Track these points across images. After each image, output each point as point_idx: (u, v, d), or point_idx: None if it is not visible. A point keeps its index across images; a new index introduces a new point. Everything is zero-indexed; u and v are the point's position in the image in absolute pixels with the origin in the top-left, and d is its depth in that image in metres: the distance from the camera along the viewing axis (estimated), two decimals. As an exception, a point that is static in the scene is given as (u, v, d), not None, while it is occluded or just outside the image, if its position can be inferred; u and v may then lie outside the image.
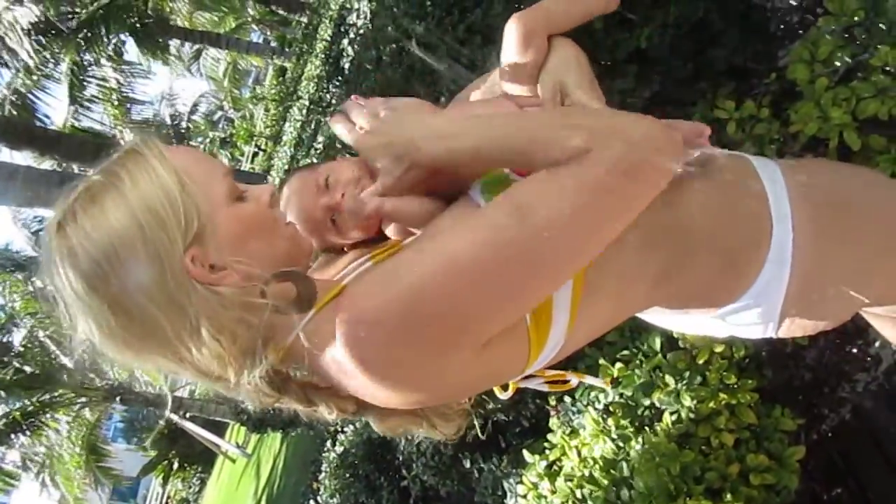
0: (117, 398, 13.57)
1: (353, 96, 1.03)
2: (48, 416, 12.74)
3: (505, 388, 1.05)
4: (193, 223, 0.79)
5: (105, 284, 0.77)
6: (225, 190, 0.84)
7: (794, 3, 2.48)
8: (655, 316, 1.16)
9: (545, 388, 1.09)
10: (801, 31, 2.41)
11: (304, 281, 0.83)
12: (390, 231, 1.07)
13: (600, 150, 0.78)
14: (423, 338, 0.75)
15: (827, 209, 1.02)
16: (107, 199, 0.78)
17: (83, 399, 12.82)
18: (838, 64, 1.92)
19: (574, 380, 1.10)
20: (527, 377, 1.01)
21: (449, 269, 0.74)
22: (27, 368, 12.05)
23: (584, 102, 1.00)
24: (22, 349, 12.22)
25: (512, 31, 1.05)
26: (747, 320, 1.05)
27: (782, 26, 2.49)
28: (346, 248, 1.12)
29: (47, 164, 10.14)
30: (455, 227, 0.82)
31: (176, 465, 22.12)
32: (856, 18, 1.90)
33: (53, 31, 10.49)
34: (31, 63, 10.36)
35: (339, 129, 0.98)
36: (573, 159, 0.78)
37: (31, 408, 12.25)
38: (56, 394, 12.39)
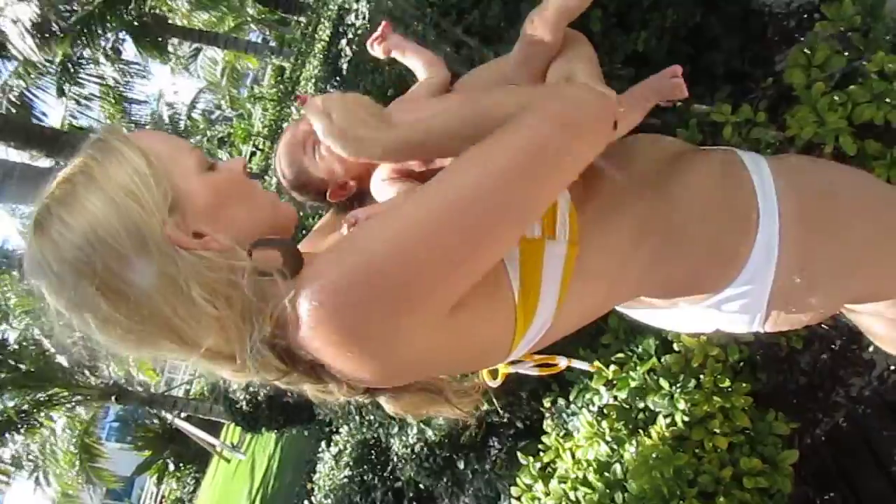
0: (112, 397, 13.50)
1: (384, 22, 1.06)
2: (43, 414, 12.69)
3: (494, 375, 1.05)
4: (167, 192, 0.80)
5: (91, 269, 0.76)
6: (194, 161, 0.86)
7: (792, 8, 2.49)
8: (644, 312, 1.17)
9: (535, 373, 1.10)
10: (798, 36, 2.42)
11: (287, 247, 0.82)
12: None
13: (535, 108, 0.82)
14: (383, 302, 0.73)
15: (813, 200, 1.03)
16: (78, 186, 0.79)
17: (78, 397, 12.76)
18: (835, 69, 1.93)
19: (563, 361, 1.11)
20: (516, 362, 1.01)
21: (408, 232, 0.75)
22: (22, 366, 11.98)
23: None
24: (17, 347, 12.15)
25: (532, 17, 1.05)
26: (735, 310, 1.05)
27: (780, 31, 2.50)
28: (328, 195, 1.12)
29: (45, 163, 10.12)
30: (410, 193, 0.83)
31: (171, 465, 22.05)
32: (852, 24, 1.91)
33: (52, 28, 10.46)
34: (32, 59, 10.33)
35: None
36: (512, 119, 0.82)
37: (26, 406, 12.19)
38: (51, 392, 12.32)
